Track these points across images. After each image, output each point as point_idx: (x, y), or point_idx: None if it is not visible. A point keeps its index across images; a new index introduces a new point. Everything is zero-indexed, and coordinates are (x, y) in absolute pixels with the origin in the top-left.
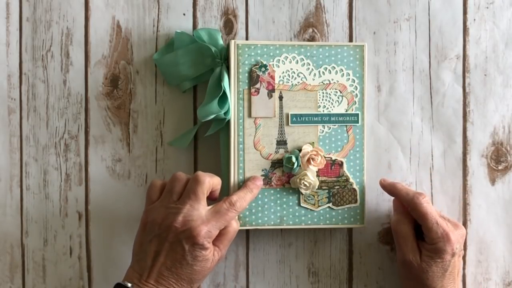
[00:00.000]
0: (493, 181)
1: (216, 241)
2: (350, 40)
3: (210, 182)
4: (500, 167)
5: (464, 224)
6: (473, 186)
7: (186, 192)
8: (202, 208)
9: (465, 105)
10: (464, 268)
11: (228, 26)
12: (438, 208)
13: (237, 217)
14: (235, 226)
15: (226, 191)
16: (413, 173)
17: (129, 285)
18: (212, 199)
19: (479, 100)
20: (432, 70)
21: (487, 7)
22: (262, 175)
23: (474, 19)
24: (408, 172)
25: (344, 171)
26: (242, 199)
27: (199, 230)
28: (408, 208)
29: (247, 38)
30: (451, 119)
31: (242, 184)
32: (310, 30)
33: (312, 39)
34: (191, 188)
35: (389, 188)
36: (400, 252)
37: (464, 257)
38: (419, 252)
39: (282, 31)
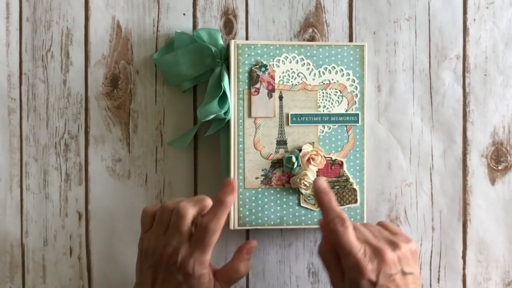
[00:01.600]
0: (493, 181)
1: (222, 274)
2: (350, 40)
3: (193, 212)
4: (500, 167)
5: (464, 224)
6: (473, 186)
7: (171, 225)
8: (185, 239)
9: (465, 105)
10: (464, 268)
11: (228, 26)
12: (438, 208)
13: (249, 263)
14: (241, 271)
15: None
16: (413, 173)
17: None
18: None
19: (479, 100)
20: (432, 70)
21: (487, 7)
22: (262, 175)
23: (474, 19)
24: (408, 172)
25: (344, 171)
26: (214, 220)
27: (186, 262)
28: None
29: (247, 38)
30: (451, 119)
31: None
32: (310, 30)
33: (312, 39)
34: (174, 223)
35: (317, 195)
36: (330, 280)
37: (464, 257)
38: (343, 280)
39: (282, 31)
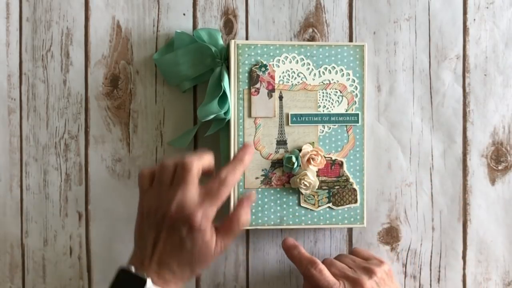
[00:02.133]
0: (493, 181)
1: (221, 230)
2: (350, 40)
3: (199, 166)
4: (500, 167)
5: (464, 224)
6: (473, 186)
7: (176, 180)
8: (194, 192)
9: (465, 105)
10: (464, 268)
11: (228, 26)
12: (438, 208)
13: (249, 211)
14: (242, 219)
15: None
16: (413, 173)
17: (133, 269)
18: (208, 175)
19: (479, 100)
20: (432, 70)
21: (487, 7)
22: (262, 175)
23: (474, 19)
24: (408, 172)
25: (344, 171)
26: (232, 173)
27: (194, 214)
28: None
29: (247, 38)
30: (451, 119)
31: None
32: (310, 30)
33: (312, 39)
34: (180, 175)
35: (286, 253)
36: None
37: (464, 257)
38: None
39: (282, 31)
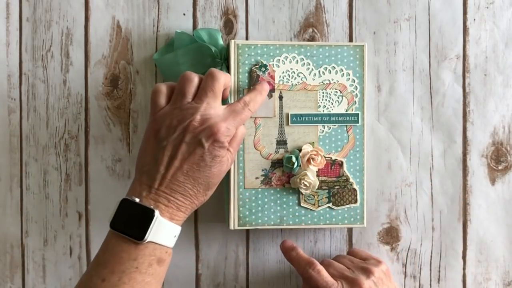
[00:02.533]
0: (493, 181)
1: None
2: (350, 40)
3: (225, 79)
4: (500, 167)
5: (464, 224)
6: (473, 186)
7: (202, 90)
8: (219, 106)
9: (465, 105)
10: (464, 268)
11: (228, 26)
12: (438, 208)
13: (243, 125)
14: (243, 129)
15: (226, 191)
16: (413, 173)
17: (137, 200)
18: (223, 99)
19: (479, 100)
20: (432, 70)
21: (487, 7)
22: (262, 175)
23: (474, 19)
24: (408, 172)
25: (344, 171)
26: (254, 100)
27: (219, 127)
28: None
29: (247, 38)
30: (451, 119)
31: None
32: (310, 30)
33: (312, 39)
34: (208, 85)
35: (285, 255)
36: None
37: (464, 257)
38: None
39: (282, 31)
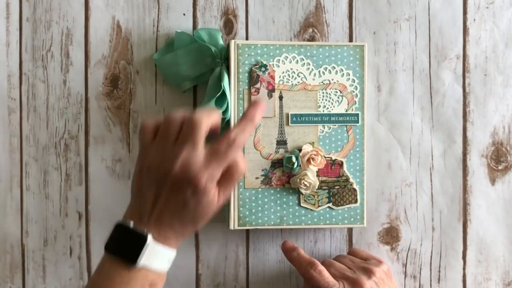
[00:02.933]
0: (493, 181)
1: (221, 180)
2: (350, 40)
3: (208, 123)
4: (500, 167)
5: (464, 224)
6: (473, 186)
7: (182, 136)
8: (200, 151)
9: (465, 105)
10: (464, 268)
11: (228, 26)
12: (438, 208)
13: (243, 155)
14: (241, 165)
15: None
16: (413, 173)
17: (131, 224)
18: (214, 135)
19: (479, 100)
20: (432, 70)
21: (487, 7)
22: (262, 175)
23: (474, 19)
24: (408, 172)
25: (344, 171)
26: (242, 134)
27: (199, 176)
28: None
29: (247, 38)
30: (451, 119)
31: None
32: (310, 30)
33: (312, 39)
34: (188, 132)
35: (286, 255)
36: None
37: (464, 257)
38: None
39: (282, 31)
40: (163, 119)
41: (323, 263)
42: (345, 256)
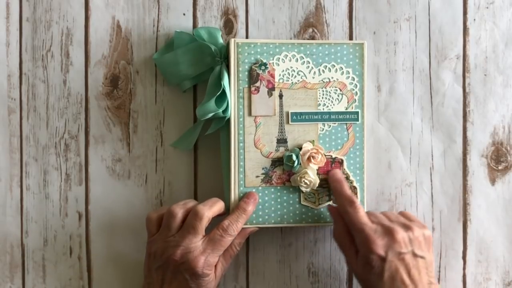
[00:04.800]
0: (493, 181)
1: (220, 259)
2: (350, 40)
3: (210, 215)
4: (500, 167)
5: (464, 224)
6: (473, 186)
7: (185, 226)
8: (199, 240)
9: (465, 105)
10: (464, 268)
11: (228, 26)
12: (438, 208)
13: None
14: (238, 242)
15: (227, 191)
16: (413, 173)
17: None
18: (221, 215)
19: (479, 100)
20: (432, 70)
21: (487, 7)
22: (262, 174)
23: (474, 19)
24: (408, 172)
25: (344, 169)
26: (235, 223)
27: (196, 261)
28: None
29: (247, 38)
30: (451, 119)
31: (239, 201)
32: (310, 30)
33: (312, 39)
34: (191, 223)
35: (330, 183)
36: (346, 260)
37: (464, 257)
38: (356, 258)
39: (282, 31)
40: (166, 212)
41: (366, 213)
42: (392, 212)
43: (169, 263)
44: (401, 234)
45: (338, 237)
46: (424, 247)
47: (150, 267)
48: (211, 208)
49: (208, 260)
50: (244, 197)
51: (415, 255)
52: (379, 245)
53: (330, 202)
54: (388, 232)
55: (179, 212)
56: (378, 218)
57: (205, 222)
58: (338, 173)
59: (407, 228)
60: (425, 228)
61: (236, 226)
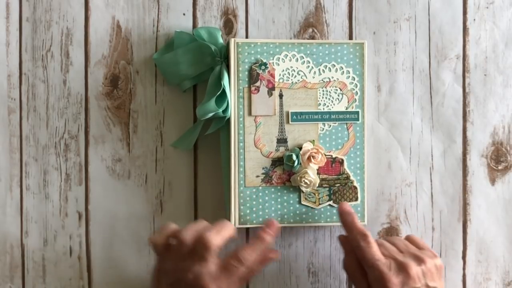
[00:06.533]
0: (493, 181)
1: None
2: (350, 40)
3: (218, 243)
4: (500, 167)
5: (464, 224)
6: (473, 186)
7: (195, 253)
8: (211, 265)
9: (465, 105)
10: (464, 268)
11: (228, 26)
12: (438, 208)
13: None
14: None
15: (227, 191)
16: (413, 173)
17: None
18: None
19: (479, 100)
20: (432, 70)
21: (487, 7)
22: (262, 173)
23: (474, 19)
24: (408, 172)
25: (344, 169)
26: (251, 253)
27: (210, 286)
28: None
29: (247, 38)
30: (451, 119)
31: (259, 230)
32: (310, 30)
33: (312, 39)
34: (198, 252)
35: (340, 217)
36: None
37: (464, 257)
38: None
39: (282, 31)
40: (176, 238)
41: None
42: (400, 239)
43: (180, 283)
44: (415, 269)
45: (349, 269)
46: (436, 277)
47: (161, 281)
48: (220, 234)
49: (221, 286)
50: (265, 225)
51: (428, 287)
52: (395, 283)
53: (330, 202)
54: (402, 268)
55: (188, 239)
56: (389, 251)
57: (213, 251)
58: (347, 205)
59: (419, 261)
60: (436, 257)
61: (252, 257)
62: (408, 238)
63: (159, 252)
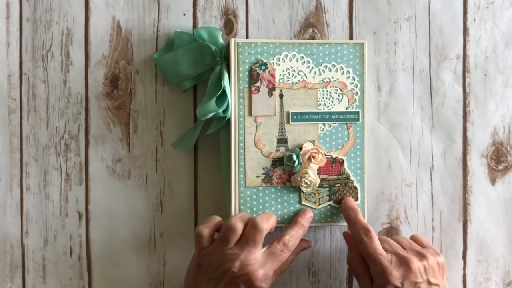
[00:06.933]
0: (493, 181)
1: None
2: (350, 40)
3: (268, 228)
4: (500, 167)
5: (464, 224)
6: (473, 186)
7: (245, 239)
8: (258, 252)
9: (465, 105)
10: (464, 268)
11: (228, 26)
12: (438, 208)
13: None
14: (292, 258)
15: (227, 191)
16: (413, 173)
17: None
18: (269, 233)
19: (479, 100)
20: (432, 70)
21: (487, 7)
22: (263, 173)
23: (474, 19)
24: (408, 172)
25: (344, 169)
26: (294, 238)
27: (257, 274)
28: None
29: (247, 38)
30: (451, 119)
31: (293, 220)
32: (310, 30)
33: (312, 39)
34: (250, 235)
35: (343, 212)
36: (358, 284)
37: (464, 257)
38: (371, 286)
39: (282, 31)
40: (225, 225)
41: (378, 239)
42: (404, 238)
43: (225, 274)
44: (416, 264)
45: (352, 264)
46: (438, 274)
47: (197, 278)
48: (268, 221)
49: (267, 273)
50: (301, 213)
51: (430, 283)
52: (396, 276)
53: (331, 202)
54: (404, 263)
55: (239, 226)
56: (392, 247)
57: (264, 235)
58: (351, 201)
59: (421, 256)
60: (438, 255)
61: (295, 241)
62: (412, 238)
63: (203, 245)
